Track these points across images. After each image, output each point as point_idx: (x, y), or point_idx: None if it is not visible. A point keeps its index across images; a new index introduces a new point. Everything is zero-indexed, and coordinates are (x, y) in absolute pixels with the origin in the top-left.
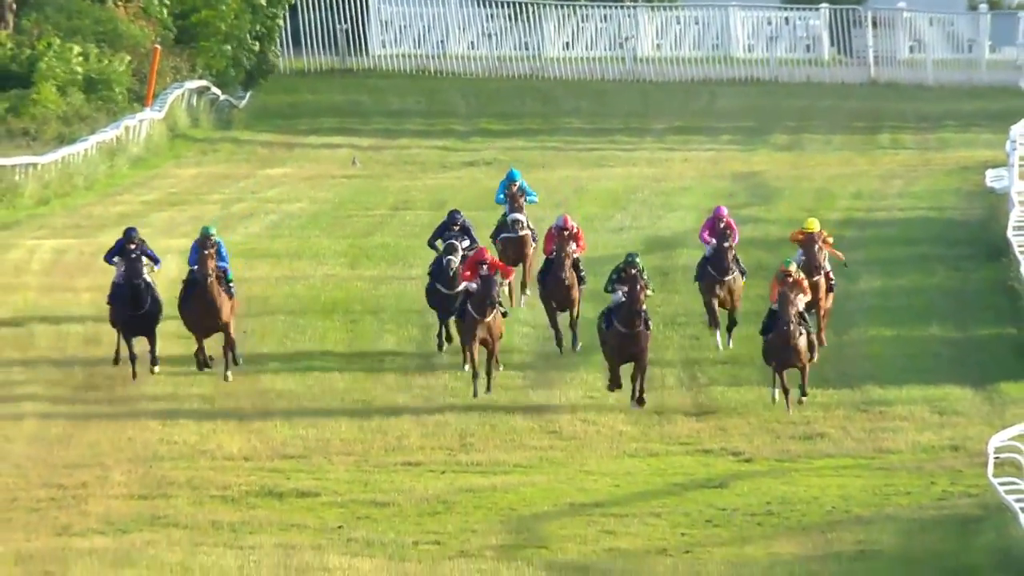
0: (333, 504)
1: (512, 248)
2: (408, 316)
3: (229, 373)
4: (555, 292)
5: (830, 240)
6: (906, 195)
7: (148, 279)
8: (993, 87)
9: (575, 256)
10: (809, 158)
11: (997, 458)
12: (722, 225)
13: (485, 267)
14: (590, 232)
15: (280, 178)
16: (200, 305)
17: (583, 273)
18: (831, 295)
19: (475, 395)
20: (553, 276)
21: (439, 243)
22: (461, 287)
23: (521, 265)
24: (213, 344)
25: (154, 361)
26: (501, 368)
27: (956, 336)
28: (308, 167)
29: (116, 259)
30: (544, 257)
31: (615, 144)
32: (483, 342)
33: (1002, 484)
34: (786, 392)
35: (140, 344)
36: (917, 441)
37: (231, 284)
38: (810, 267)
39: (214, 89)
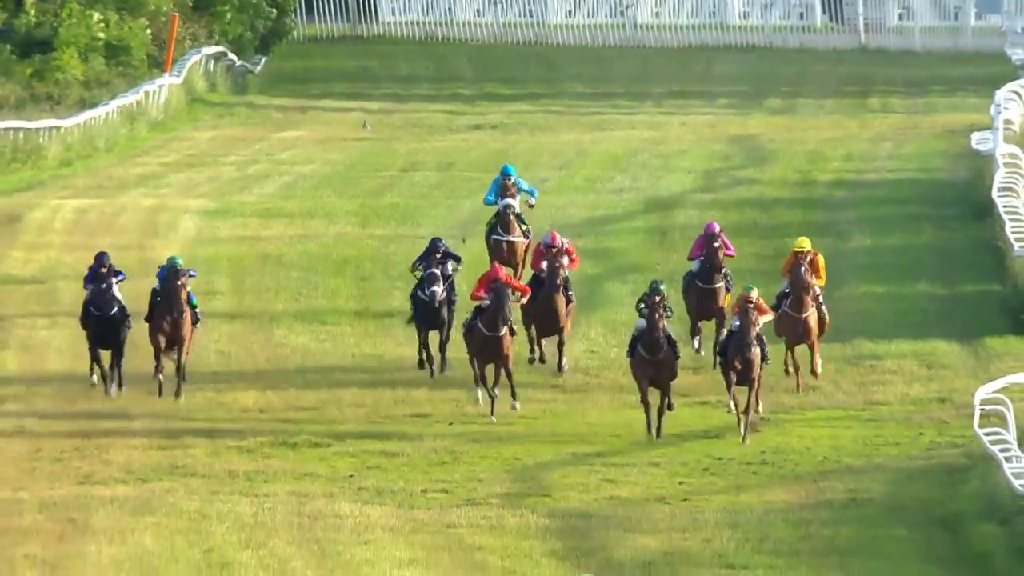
0: (344, 454)
1: (503, 248)
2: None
3: (181, 387)
4: (542, 316)
5: (821, 268)
6: (895, 157)
7: (117, 295)
8: (979, 53)
9: (565, 275)
10: (802, 121)
11: (982, 410)
12: (716, 244)
13: (499, 284)
14: (591, 193)
15: (294, 141)
16: (164, 324)
17: (571, 293)
18: (824, 323)
19: (492, 414)
20: (541, 299)
21: (421, 270)
22: (442, 297)
23: (513, 269)
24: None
25: (118, 381)
26: (518, 395)
27: (943, 293)
28: (321, 130)
29: (92, 284)
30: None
31: (616, 108)
32: (492, 359)
33: (987, 435)
34: (744, 412)
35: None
36: (906, 393)
37: (196, 308)
38: (799, 291)
39: (230, 55)
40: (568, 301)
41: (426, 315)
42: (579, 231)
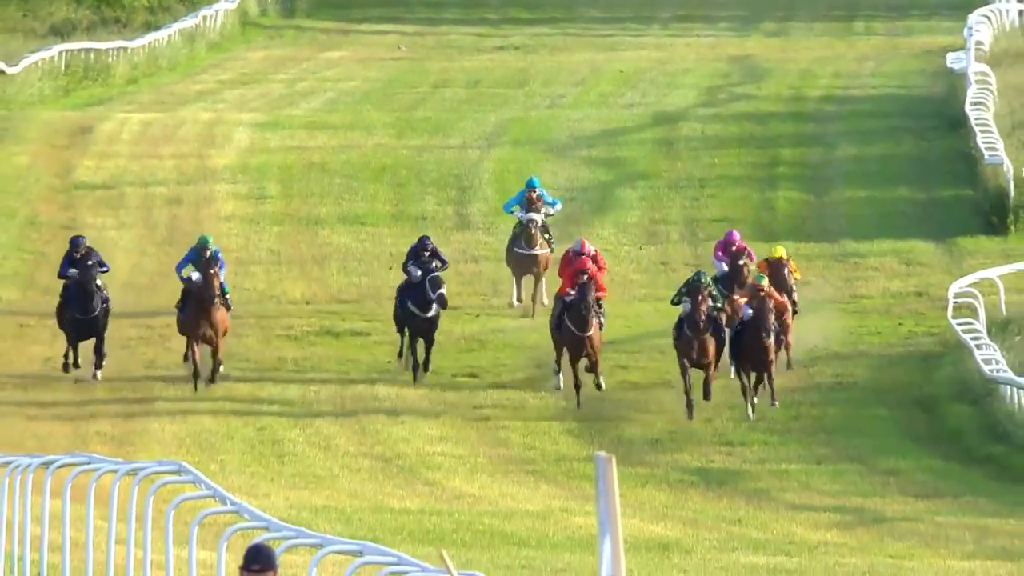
0: (383, 342)
1: (524, 261)
2: (447, 180)
3: (213, 378)
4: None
5: (795, 268)
6: (878, 75)
7: (99, 283)
8: None
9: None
10: (795, 43)
11: (955, 302)
12: (734, 248)
13: (585, 276)
14: (604, 107)
15: (337, 60)
16: (200, 316)
17: (602, 311)
18: (794, 318)
19: (578, 405)
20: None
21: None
22: (433, 311)
23: (535, 280)
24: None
25: (99, 365)
26: (603, 378)
27: (921, 197)
28: (361, 51)
29: (72, 271)
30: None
31: (626, 31)
32: (579, 355)
33: (959, 324)
34: (750, 396)
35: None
36: (887, 288)
37: (227, 295)
38: (778, 290)
39: None
40: (600, 326)
41: (417, 324)
42: (593, 142)
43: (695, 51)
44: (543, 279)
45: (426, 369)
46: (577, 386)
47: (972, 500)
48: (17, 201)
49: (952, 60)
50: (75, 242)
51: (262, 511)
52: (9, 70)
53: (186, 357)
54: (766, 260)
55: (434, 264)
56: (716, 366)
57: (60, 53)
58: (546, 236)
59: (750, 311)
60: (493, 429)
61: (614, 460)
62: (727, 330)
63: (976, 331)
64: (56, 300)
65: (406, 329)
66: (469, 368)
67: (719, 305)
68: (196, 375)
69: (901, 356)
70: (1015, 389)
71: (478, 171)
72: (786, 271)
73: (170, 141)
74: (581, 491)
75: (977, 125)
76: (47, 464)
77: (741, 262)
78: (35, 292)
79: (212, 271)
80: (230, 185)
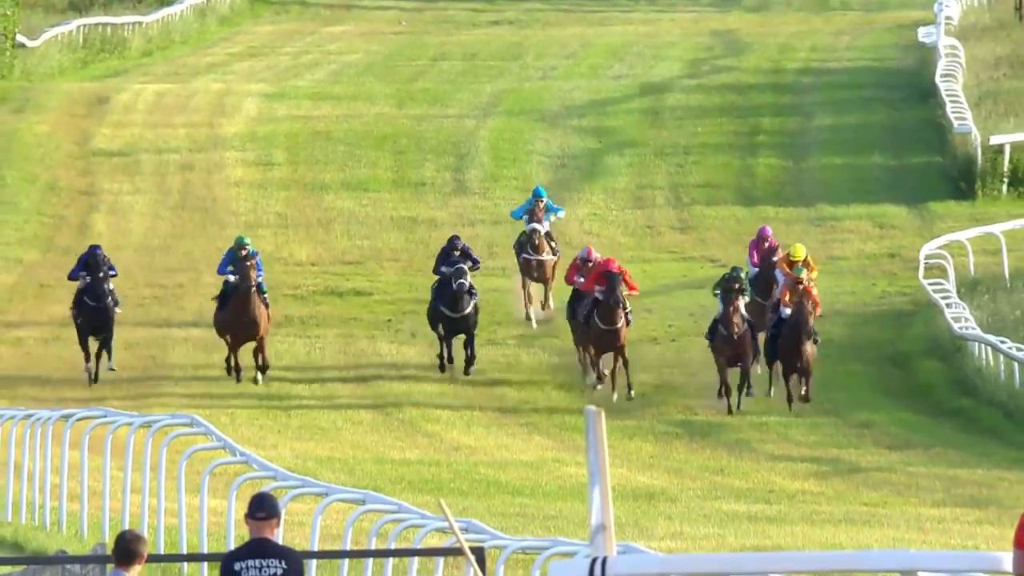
0: (384, 301)
1: (532, 266)
2: (445, 147)
3: (260, 377)
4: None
5: (814, 268)
6: (853, 48)
7: (110, 287)
8: None
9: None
10: (774, 17)
11: (926, 263)
12: (767, 246)
13: (611, 272)
14: (594, 79)
15: (340, 34)
16: (239, 314)
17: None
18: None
19: (613, 399)
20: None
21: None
22: (470, 308)
23: (543, 284)
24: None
25: (108, 356)
26: (633, 388)
27: (893, 164)
28: (363, 25)
29: (82, 273)
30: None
31: (615, 6)
32: (608, 349)
33: (930, 284)
34: (790, 398)
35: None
36: (861, 250)
37: (265, 295)
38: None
39: None
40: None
41: (447, 324)
42: (583, 111)
43: (680, 25)
44: (551, 285)
45: (468, 370)
46: (601, 379)
47: (942, 451)
48: (38, 167)
49: (923, 34)
50: (94, 252)
51: (270, 462)
52: (30, 43)
53: (228, 364)
54: (785, 262)
55: (467, 263)
56: (753, 360)
57: (78, 27)
58: (551, 243)
59: (788, 311)
60: (489, 384)
61: (603, 413)
62: (761, 331)
63: (946, 290)
64: (53, 306)
65: (440, 327)
66: None
67: (747, 298)
68: (237, 371)
69: (875, 314)
70: (983, 345)
71: (474, 139)
72: (805, 275)
73: (183, 111)
74: (572, 442)
75: (947, 96)
76: (66, 417)
77: (775, 258)
78: (55, 254)
79: (249, 263)
80: (239, 152)
